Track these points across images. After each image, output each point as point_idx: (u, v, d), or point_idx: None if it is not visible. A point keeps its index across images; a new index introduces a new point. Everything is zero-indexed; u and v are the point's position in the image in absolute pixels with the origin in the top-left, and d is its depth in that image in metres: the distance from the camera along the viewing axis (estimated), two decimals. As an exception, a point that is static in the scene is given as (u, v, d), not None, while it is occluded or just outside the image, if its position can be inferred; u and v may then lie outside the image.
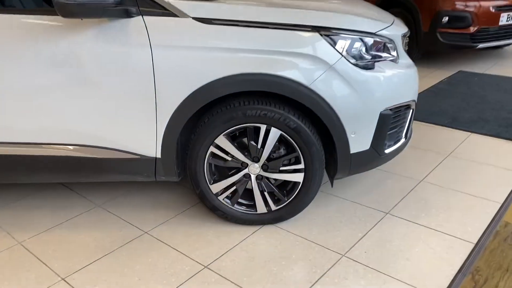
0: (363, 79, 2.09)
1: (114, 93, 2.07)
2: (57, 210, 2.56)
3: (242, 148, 2.21)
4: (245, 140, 2.20)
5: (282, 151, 2.23)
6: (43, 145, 2.17)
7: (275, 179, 2.29)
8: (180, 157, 2.28)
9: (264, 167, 2.22)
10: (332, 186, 2.41)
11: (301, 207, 2.30)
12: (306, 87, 2.02)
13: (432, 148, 3.18)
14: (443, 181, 2.74)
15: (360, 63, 2.11)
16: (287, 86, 2.01)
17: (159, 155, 2.20)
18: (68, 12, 1.85)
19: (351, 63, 2.07)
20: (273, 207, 2.29)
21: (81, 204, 2.62)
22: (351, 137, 2.14)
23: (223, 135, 2.14)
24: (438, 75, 5.02)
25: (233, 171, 2.29)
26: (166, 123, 2.11)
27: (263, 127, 2.11)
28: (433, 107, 3.96)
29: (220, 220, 2.38)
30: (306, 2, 2.24)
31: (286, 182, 2.29)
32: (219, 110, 2.12)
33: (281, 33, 2.01)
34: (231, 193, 2.29)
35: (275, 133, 2.12)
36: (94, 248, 2.22)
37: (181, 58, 2.01)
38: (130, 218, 2.46)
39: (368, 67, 2.13)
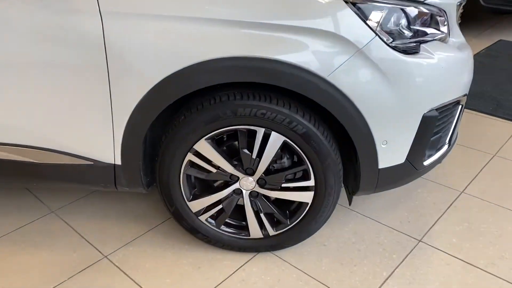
0: (403, 69, 1.47)
1: (52, 79, 1.48)
2: (1, 217, 2.03)
3: (231, 156, 1.63)
4: (236, 143, 1.62)
5: (285, 161, 1.65)
6: (-39, 145, 1.61)
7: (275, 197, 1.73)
8: (148, 163, 1.72)
9: (261, 182, 1.65)
10: (350, 204, 1.84)
11: (308, 234, 1.75)
12: (322, 79, 1.41)
13: (474, 145, 2.57)
14: (490, 194, 2.15)
15: (400, 44, 1.48)
16: (295, 77, 1.40)
17: (118, 161, 1.63)
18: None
19: (388, 45, 1.44)
20: (272, 231, 1.73)
21: (33, 208, 2.08)
22: (381, 147, 1.55)
23: (205, 139, 1.56)
24: (475, 44, 4.30)
25: (219, 183, 1.73)
26: (126, 121, 1.53)
27: (260, 131, 1.53)
28: (472, 87, 3.29)
29: (202, 243, 1.84)
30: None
31: (289, 200, 1.72)
32: (199, 106, 1.53)
33: (289, -1, 1.39)
34: (216, 212, 1.74)
35: (276, 139, 1.53)
36: (35, 279, 1.70)
37: (145, 33, 1.40)
38: (89, 233, 1.92)
39: (411, 50, 1.51)
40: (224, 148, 1.64)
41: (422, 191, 2.16)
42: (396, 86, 1.47)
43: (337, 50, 1.40)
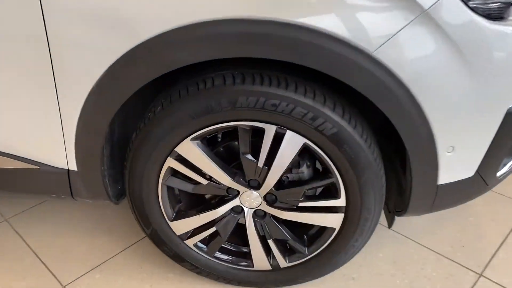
0: (486, 41, 0.97)
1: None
2: None
3: (229, 161, 1.17)
4: (235, 144, 1.16)
5: (304, 171, 1.18)
6: None
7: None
8: (118, 168, 1.26)
9: (270, 199, 1.19)
10: (390, 226, 1.38)
11: (332, 267, 1.29)
12: (365, 55, 0.93)
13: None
14: None
15: (481, 4, 0.98)
16: (325, 51, 0.92)
17: (73, 166, 1.18)
18: None
19: (467, 5, 0.95)
20: (283, 262, 1.28)
21: (-19, 214, 1.66)
22: (445, 156, 1.07)
23: (192, 139, 1.09)
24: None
25: (212, 196, 1.28)
26: (78, 112, 1.07)
27: (269, 130, 1.05)
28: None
29: (191, 273, 1.39)
30: None
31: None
32: (183, 91, 1.06)
33: None
34: (208, 235, 1.28)
35: (293, 142, 1.06)
36: (-33, 318, 1.28)
37: (97, -20, 0.92)
38: (46, 251, 1.49)
39: (496, 13, 1.01)
40: (221, 149, 1.18)
41: (477, 204, 1.68)
42: (473, 68, 0.98)
43: (389, 11, 0.91)
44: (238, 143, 1.10)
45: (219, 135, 1.16)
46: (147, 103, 1.15)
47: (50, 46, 0.99)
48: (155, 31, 0.93)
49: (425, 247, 1.49)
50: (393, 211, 1.29)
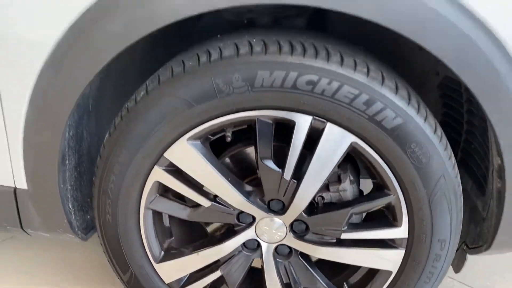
0: None
1: None
2: None
3: (241, 174, 0.83)
4: (249, 150, 0.83)
5: (347, 187, 0.84)
6: None
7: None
8: (87, 187, 0.92)
9: (298, 228, 0.83)
10: (458, 271, 1.01)
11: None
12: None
13: None
14: None
15: None
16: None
17: (22, 183, 0.84)
18: None
19: None
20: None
21: None
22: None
23: (189, 139, 0.76)
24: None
25: (216, 228, 0.92)
26: (25, 104, 0.75)
27: (302, 122, 0.73)
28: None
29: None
30: None
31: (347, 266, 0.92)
32: (176, 67, 0.74)
33: None
34: (210, 285, 0.91)
35: (336, 139, 0.74)
36: None
37: None
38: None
39: None
40: (230, 158, 0.85)
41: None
42: None
43: None
44: (255, 145, 0.77)
45: (228, 134, 0.81)
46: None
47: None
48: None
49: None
50: (465, 248, 0.93)
